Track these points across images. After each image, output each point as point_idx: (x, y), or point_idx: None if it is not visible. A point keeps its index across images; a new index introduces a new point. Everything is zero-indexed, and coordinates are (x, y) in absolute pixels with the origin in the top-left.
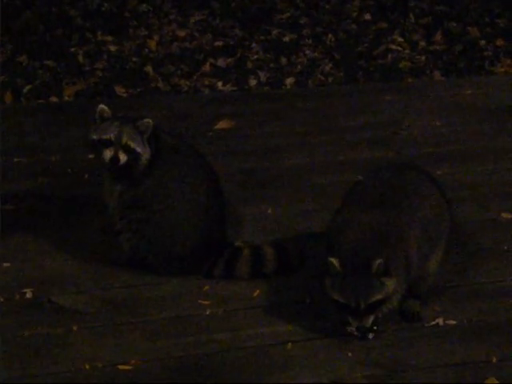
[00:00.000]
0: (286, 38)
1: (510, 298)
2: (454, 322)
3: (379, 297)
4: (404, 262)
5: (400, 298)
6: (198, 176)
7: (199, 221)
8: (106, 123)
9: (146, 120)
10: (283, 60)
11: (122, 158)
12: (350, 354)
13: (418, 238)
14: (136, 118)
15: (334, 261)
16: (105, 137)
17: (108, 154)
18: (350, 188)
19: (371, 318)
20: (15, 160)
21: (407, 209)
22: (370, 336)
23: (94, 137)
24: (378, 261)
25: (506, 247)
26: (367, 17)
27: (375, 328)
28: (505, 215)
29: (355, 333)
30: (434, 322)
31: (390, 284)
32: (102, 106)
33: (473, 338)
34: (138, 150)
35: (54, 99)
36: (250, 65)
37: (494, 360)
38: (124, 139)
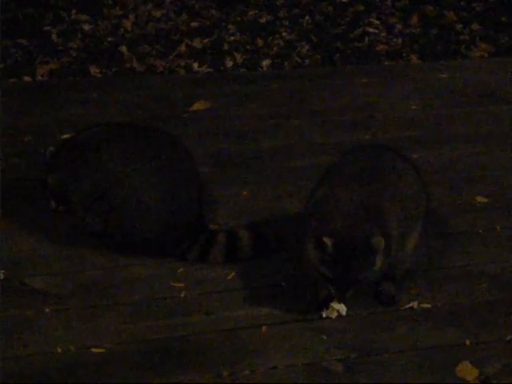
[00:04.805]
0: (263, 20)
1: (484, 282)
2: (428, 306)
3: (367, 274)
4: (385, 239)
5: (377, 277)
6: (153, 157)
7: (164, 200)
8: None
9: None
10: (259, 42)
11: (56, 206)
12: (324, 337)
13: (397, 216)
14: None
15: (328, 240)
16: None
17: None
18: (326, 167)
19: (352, 291)
20: None
21: (386, 186)
22: (333, 316)
23: None
24: (378, 238)
25: (480, 231)
26: None
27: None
28: (479, 199)
29: (330, 315)
30: (408, 306)
31: (379, 261)
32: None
33: (447, 321)
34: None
35: (27, 78)
36: (226, 46)
37: (468, 343)
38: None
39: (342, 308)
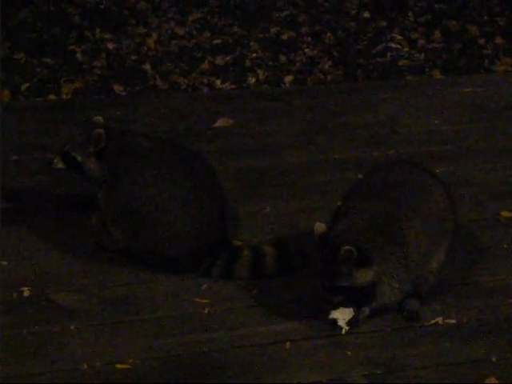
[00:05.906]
0: (285, 36)
1: (509, 297)
2: (453, 321)
3: (343, 283)
4: (401, 256)
5: (400, 296)
6: (185, 176)
7: (192, 220)
8: None
9: (96, 131)
10: (282, 58)
11: (57, 163)
12: (349, 353)
13: (418, 234)
14: (93, 129)
15: (318, 226)
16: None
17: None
18: (352, 185)
19: (338, 299)
20: (13, 158)
21: (408, 203)
22: (343, 331)
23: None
24: (346, 248)
25: (505, 246)
26: (366, 15)
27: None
28: (504, 214)
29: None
30: (433, 321)
31: (362, 274)
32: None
33: (472, 337)
34: (79, 159)
35: (52, 97)
36: (248, 63)
37: (494, 359)
38: (65, 148)
39: (341, 318)
